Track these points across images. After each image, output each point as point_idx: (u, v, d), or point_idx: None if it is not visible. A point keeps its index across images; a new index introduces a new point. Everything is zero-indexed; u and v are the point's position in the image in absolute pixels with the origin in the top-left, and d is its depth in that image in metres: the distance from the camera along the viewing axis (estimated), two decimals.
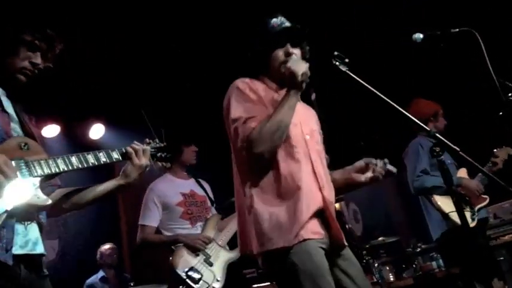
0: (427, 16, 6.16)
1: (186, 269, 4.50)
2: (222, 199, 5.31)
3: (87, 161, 2.50)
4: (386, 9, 6.34)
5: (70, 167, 2.43)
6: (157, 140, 2.93)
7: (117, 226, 8.35)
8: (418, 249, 7.19)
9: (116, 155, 2.65)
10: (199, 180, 5.28)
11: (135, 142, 2.76)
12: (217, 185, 5.43)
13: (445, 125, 5.42)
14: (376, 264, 7.08)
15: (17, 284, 2.23)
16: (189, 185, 5.15)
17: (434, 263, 6.84)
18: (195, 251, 4.64)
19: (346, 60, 2.73)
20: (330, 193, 2.89)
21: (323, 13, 6.11)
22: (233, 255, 4.84)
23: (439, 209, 5.03)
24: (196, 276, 4.48)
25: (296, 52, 2.97)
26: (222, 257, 4.76)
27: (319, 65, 2.88)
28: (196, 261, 4.60)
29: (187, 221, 4.86)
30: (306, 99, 3.04)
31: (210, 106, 7.33)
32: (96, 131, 7.73)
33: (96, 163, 2.54)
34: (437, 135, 2.63)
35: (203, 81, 7.12)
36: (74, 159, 2.45)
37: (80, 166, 2.46)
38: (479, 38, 3.38)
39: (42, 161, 2.35)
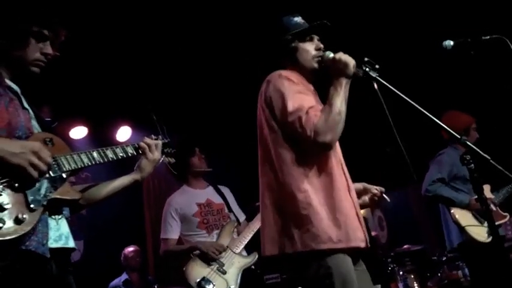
0: (455, 21, 6.11)
1: (198, 280, 4.60)
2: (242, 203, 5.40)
3: (106, 156, 2.61)
4: (415, 14, 6.31)
5: (93, 162, 2.52)
6: (161, 137, 2.99)
7: (142, 228, 8.39)
8: (444, 258, 7.11)
9: (130, 150, 2.77)
10: (219, 186, 5.37)
11: (147, 137, 2.87)
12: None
13: (477, 138, 5.38)
14: (400, 272, 7.03)
15: (51, 279, 2.27)
16: (206, 194, 5.24)
17: (459, 272, 6.76)
18: (207, 260, 4.74)
19: (377, 66, 2.73)
20: (355, 195, 2.94)
21: (348, 17, 6.10)
22: (249, 260, 4.93)
23: (456, 222, 5.06)
24: (207, 286, 4.57)
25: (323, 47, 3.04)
26: (236, 263, 4.83)
27: None
28: (208, 270, 4.70)
29: (203, 230, 5.00)
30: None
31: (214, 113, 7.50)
32: (123, 133, 7.78)
33: (115, 157, 2.66)
34: (467, 142, 2.61)
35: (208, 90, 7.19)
36: (95, 154, 2.56)
37: (101, 161, 2.57)
38: (510, 45, 3.34)
39: (68, 156, 2.41)
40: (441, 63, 6.34)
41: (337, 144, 2.96)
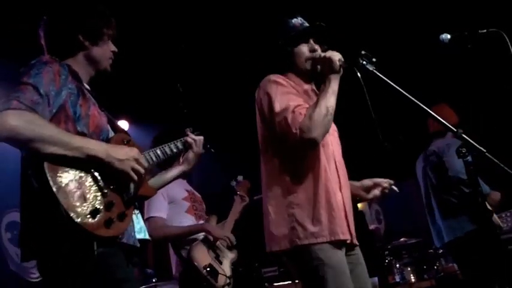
0: (452, 16, 6.12)
1: (205, 265, 4.44)
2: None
3: (166, 153, 2.83)
4: (412, 7, 6.32)
5: (158, 159, 2.76)
6: (195, 133, 3.15)
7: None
8: (440, 251, 7.13)
9: (180, 145, 2.99)
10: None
11: (190, 133, 3.07)
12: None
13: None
14: (397, 265, 7.07)
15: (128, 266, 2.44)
16: (187, 184, 5.09)
17: (455, 265, 6.78)
18: (212, 246, 4.62)
19: (374, 59, 2.73)
20: (347, 192, 3.00)
21: (346, 12, 6.11)
22: (234, 255, 4.86)
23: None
24: (213, 272, 4.48)
25: (318, 48, 3.05)
26: (227, 256, 4.77)
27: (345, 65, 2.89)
28: (210, 258, 4.55)
29: (192, 216, 4.77)
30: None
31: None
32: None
33: (172, 153, 2.89)
34: (463, 135, 2.61)
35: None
36: (159, 151, 2.78)
37: (163, 157, 2.79)
38: (507, 39, 3.35)
39: (141, 155, 2.55)
40: (438, 57, 6.35)
41: (330, 141, 3.02)
